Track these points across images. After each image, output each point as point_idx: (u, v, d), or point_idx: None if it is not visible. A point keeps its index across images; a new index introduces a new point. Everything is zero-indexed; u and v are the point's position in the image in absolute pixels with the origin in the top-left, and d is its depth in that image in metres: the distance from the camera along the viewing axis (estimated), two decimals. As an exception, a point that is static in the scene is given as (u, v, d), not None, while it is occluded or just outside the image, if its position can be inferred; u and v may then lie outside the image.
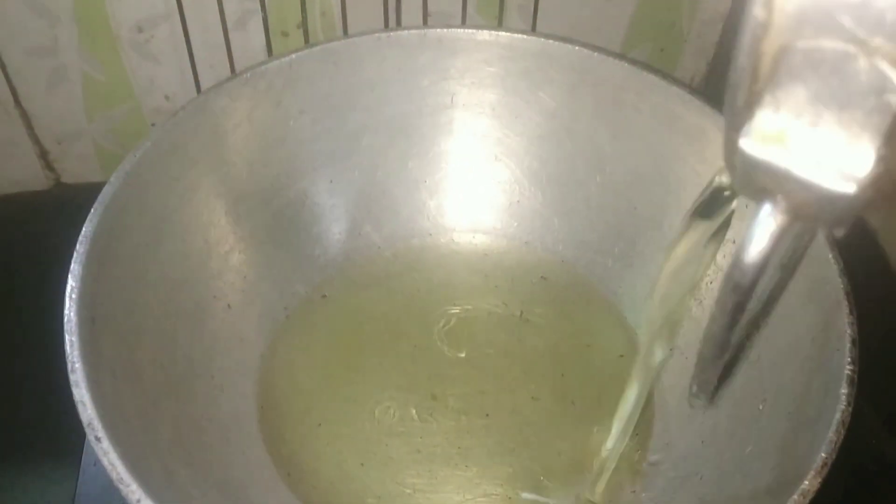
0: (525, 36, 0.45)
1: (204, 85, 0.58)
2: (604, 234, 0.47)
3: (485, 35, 0.45)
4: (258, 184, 0.45)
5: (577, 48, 0.44)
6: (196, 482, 0.34)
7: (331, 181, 0.47)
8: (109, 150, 0.63)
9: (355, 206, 0.48)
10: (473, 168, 0.49)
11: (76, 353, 0.32)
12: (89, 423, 0.30)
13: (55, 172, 0.64)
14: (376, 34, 0.45)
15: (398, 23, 0.57)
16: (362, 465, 0.40)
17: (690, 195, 0.42)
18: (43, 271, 0.58)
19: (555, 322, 0.46)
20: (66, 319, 0.33)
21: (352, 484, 0.39)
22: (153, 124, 0.63)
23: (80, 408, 0.31)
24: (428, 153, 0.48)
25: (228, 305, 0.43)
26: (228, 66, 0.57)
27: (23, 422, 0.51)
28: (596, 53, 0.44)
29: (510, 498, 0.39)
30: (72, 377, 0.31)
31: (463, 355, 0.44)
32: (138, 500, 0.29)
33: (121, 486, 0.29)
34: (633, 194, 0.46)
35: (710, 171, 0.41)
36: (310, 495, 0.39)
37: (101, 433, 0.30)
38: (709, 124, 0.42)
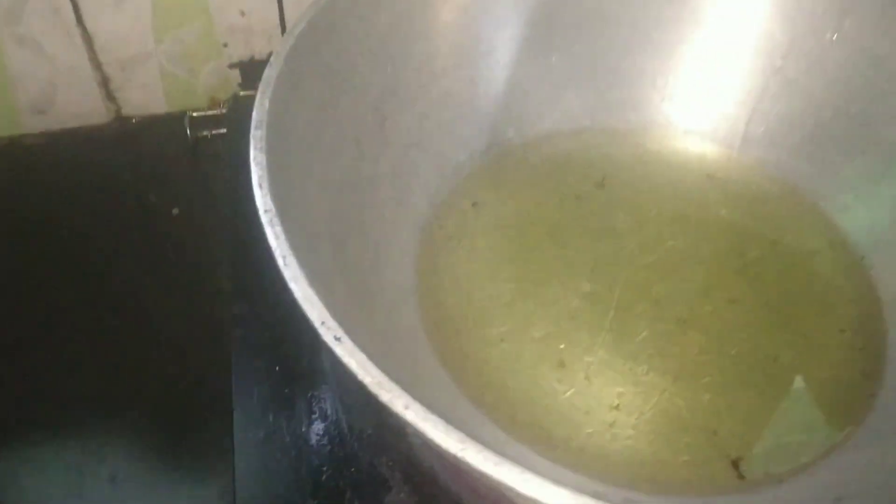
0: None
1: (287, -2, 0.53)
2: (776, 122, 0.43)
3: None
4: (401, 80, 0.40)
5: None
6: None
7: (471, 79, 0.42)
8: (176, 77, 0.57)
9: (497, 106, 0.43)
10: (619, 62, 0.44)
11: (283, 244, 0.27)
12: (324, 322, 0.25)
13: (116, 103, 0.58)
14: None
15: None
16: (560, 380, 0.36)
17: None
18: (105, 211, 0.53)
19: (733, 220, 0.41)
20: (262, 209, 0.28)
21: (554, 401, 0.35)
22: (225, 44, 0.57)
23: (305, 307, 0.26)
24: (575, 45, 0.43)
25: (383, 216, 0.38)
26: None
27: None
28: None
29: (730, 406, 0.35)
30: (286, 273, 0.26)
31: (640, 261, 0.40)
32: (378, 382, 0.24)
33: (365, 380, 0.24)
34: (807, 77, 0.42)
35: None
36: (511, 419, 0.34)
37: (339, 333, 0.25)
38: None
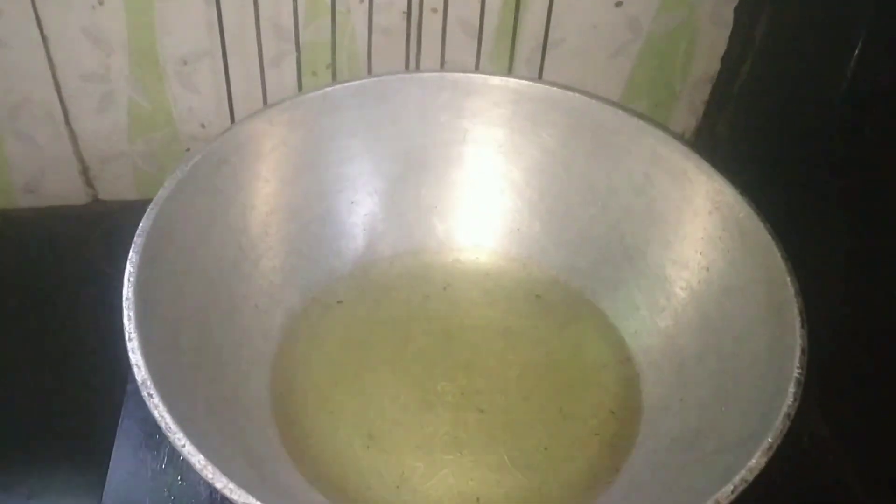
0: (532, 83, 0.51)
1: (238, 115, 0.64)
2: (594, 260, 0.52)
3: (496, 80, 0.52)
4: (289, 200, 0.51)
5: (577, 95, 0.51)
6: (225, 448, 0.39)
7: (352, 202, 0.53)
8: (145, 171, 0.69)
9: (372, 225, 0.53)
10: (479, 197, 0.55)
11: (133, 325, 0.37)
12: (143, 382, 0.35)
13: (94, 189, 0.70)
14: (401, 74, 0.52)
15: (417, 68, 0.64)
16: (367, 447, 0.45)
17: (672, 228, 0.48)
18: (77, 278, 0.64)
19: (547, 334, 0.51)
20: (124, 297, 0.39)
21: (356, 464, 0.44)
22: (188, 149, 0.69)
23: (135, 370, 0.36)
24: (440, 182, 0.54)
25: (256, 305, 0.48)
26: (262, 99, 0.64)
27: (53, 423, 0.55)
28: (594, 100, 0.50)
29: (499, 482, 0.44)
30: (129, 345, 0.37)
31: (462, 360, 0.49)
32: (183, 445, 0.34)
33: (169, 434, 0.34)
34: (622, 226, 0.52)
35: (689, 206, 0.48)
36: (317, 473, 0.44)
37: (152, 390, 0.35)
38: (690, 166, 0.48)
